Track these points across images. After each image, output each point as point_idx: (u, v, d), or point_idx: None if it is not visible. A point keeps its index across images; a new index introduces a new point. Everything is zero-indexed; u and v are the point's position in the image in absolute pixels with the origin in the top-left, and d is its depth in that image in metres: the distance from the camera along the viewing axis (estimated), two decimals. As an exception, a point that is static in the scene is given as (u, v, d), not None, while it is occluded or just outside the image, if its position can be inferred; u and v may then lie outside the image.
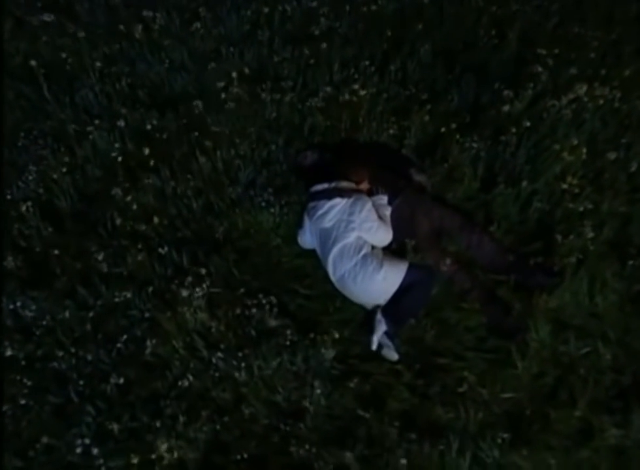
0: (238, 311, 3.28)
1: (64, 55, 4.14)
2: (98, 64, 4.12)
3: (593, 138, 3.76)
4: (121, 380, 2.99)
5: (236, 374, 3.07)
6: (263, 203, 3.62)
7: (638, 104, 3.89)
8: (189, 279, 3.27)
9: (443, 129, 3.83)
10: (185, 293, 3.22)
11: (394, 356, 3.18)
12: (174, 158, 3.76)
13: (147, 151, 3.69)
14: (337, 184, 3.45)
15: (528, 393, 3.12)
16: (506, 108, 3.76)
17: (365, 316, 3.36)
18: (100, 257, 3.38)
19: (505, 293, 3.41)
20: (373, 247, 3.34)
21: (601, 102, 3.68)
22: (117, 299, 3.23)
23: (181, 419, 2.92)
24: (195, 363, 3.11)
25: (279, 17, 4.41)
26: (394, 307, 3.24)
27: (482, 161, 3.74)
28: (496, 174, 3.76)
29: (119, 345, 3.10)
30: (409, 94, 4.05)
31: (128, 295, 3.26)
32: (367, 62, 4.10)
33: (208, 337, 3.20)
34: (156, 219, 3.49)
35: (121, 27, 4.27)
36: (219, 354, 3.11)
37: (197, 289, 3.24)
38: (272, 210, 3.59)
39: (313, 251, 3.55)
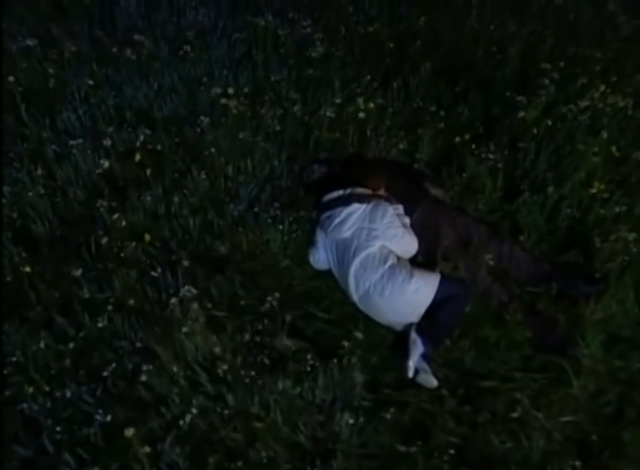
0: (247, 336, 2.81)
1: (46, 79, 3.83)
2: (82, 87, 3.83)
3: (614, 142, 3.56)
4: (108, 418, 2.43)
5: (249, 409, 2.57)
6: (269, 220, 3.24)
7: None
8: (188, 300, 2.81)
9: (457, 139, 3.60)
10: (183, 318, 2.75)
11: (433, 382, 2.71)
12: (166, 176, 3.39)
13: (137, 168, 3.32)
14: (352, 190, 3.12)
15: (590, 415, 2.68)
16: (521, 114, 3.56)
17: (395, 340, 2.93)
18: (82, 282, 2.90)
19: (546, 305, 3.05)
20: (398, 258, 2.97)
21: (621, 104, 3.52)
22: (100, 324, 2.73)
23: (183, 466, 2.38)
24: (198, 398, 2.58)
25: (272, 41, 4.26)
26: (430, 324, 2.81)
27: (502, 171, 3.49)
28: (517, 183, 3.50)
29: (105, 374, 2.57)
30: (416, 107, 3.85)
31: (116, 323, 2.77)
32: (369, 77, 3.91)
33: (212, 368, 2.69)
34: (147, 237, 3.05)
35: (108, 51, 4.05)
36: (227, 386, 2.61)
37: (198, 312, 2.77)
38: (280, 226, 3.20)
39: (327, 273, 3.16)
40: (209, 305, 2.87)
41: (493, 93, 3.91)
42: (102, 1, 4.76)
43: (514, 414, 2.64)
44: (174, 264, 3.05)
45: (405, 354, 2.78)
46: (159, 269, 2.97)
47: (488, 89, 3.94)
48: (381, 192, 3.18)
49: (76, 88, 3.82)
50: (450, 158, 3.61)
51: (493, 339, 2.94)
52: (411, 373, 2.72)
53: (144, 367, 2.60)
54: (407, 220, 3.12)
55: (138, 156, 3.32)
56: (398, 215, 3.10)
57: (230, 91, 3.67)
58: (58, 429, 2.45)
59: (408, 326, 2.87)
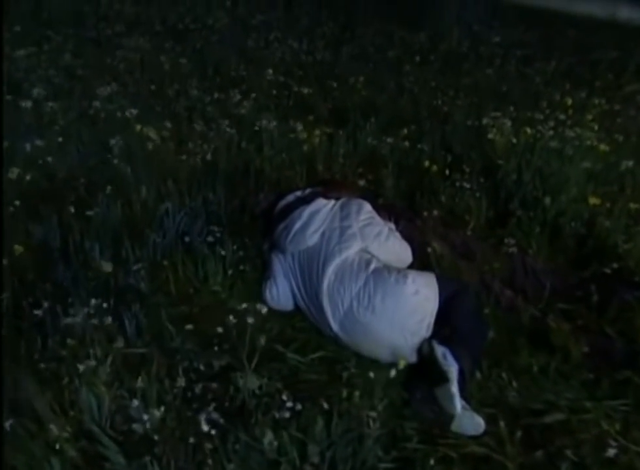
0: (182, 382, 1.78)
1: None
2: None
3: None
4: None
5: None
6: (206, 251, 2.40)
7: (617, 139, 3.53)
8: (89, 338, 1.80)
9: (426, 165, 3.08)
10: (77, 358, 1.72)
11: (479, 423, 1.76)
12: (64, 207, 2.54)
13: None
14: (314, 189, 2.41)
15: None
16: (490, 135, 3.16)
17: (406, 377, 2.00)
18: None
19: (586, 321, 2.30)
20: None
21: (588, 140, 3.22)
22: None
23: None
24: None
25: (200, 111, 3.80)
26: (453, 331, 1.95)
27: (483, 195, 2.95)
28: (504, 206, 2.94)
29: None
30: (370, 146, 3.36)
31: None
32: (312, 117, 3.46)
33: (126, 432, 1.61)
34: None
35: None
36: (151, 458, 1.53)
37: (102, 350, 1.76)
38: (222, 252, 2.36)
39: (291, 313, 2.29)
40: (121, 343, 1.87)
41: (450, 129, 3.54)
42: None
43: (610, 453, 1.72)
44: (69, 305, 2.07)
45: (426, 394, 1.86)
46: (45, 304, 1.97)
47: (443, 130, 3.58)
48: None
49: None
50: (422, 189, 3.05)
51: (537, 367, 2.09)
52: (458, 405, 1.75)
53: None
54: (393, 226, 2.41)
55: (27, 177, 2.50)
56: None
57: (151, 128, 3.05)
58: None
59: (419, 350, 1.98)
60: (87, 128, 3.40)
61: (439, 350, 1.86)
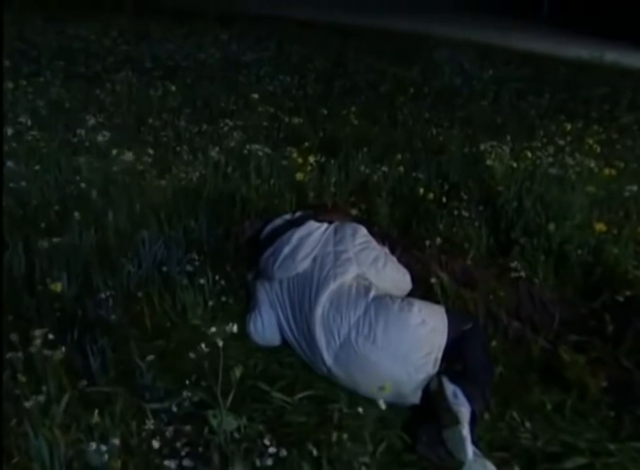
0: (150, 424, 1.56)
1: None
2: None
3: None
4: None
5: None
6: (185, 281, 2.20)
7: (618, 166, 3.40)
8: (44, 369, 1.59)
9: (421, 192, 2.92)
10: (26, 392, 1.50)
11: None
12: (34, 233, 2.35)
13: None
14: (304, 213, 2.23)
15: None
16: (489, 161, 3.02)
17: (409, 419, 1.79)
18: None
19: (600, 353, 2.10)
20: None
21: (590, 165, 3.10)
22: None
23: None
24: None
25: (187, 139, 3.69)
26: (464, 368, 1.74)
27: (483, 223, 2.80)
28: (505, 235, 2.78)
29: None
30: (364, 174, 3.21)
31: None
32: (307, 144, 3.32)
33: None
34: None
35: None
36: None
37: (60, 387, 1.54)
38: (202, 281, 2.17)
39: (277, 347, 2.09)
40: (84, 382, 1.65)
41: (446, 158, 3.41)
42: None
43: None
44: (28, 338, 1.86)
45: (434, 437, 1.64)
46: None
47: (439, 159, 3.45)
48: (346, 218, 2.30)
49: None
50: (418, 218, 2.90)
51: (551, 405, 1.88)
52: (470, 451, 1.53)
53: None
54: (388, 251, 2.23)
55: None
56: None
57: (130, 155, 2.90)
58: None
59: (424, 390, 1.77)
60: (67, 156, 3.26)
61: (450, 388, 1.65)
